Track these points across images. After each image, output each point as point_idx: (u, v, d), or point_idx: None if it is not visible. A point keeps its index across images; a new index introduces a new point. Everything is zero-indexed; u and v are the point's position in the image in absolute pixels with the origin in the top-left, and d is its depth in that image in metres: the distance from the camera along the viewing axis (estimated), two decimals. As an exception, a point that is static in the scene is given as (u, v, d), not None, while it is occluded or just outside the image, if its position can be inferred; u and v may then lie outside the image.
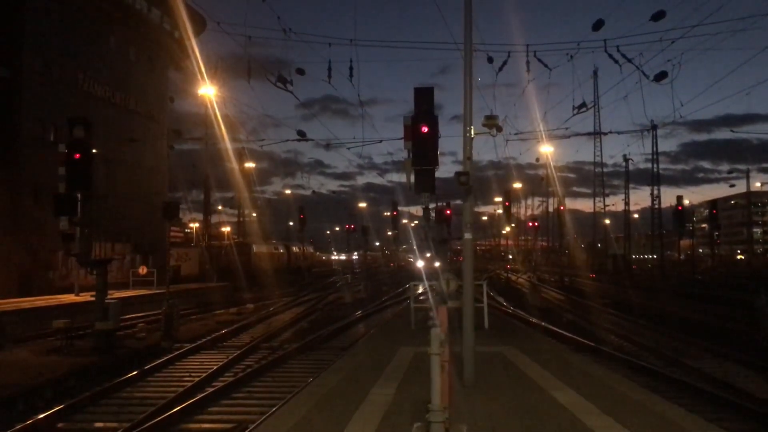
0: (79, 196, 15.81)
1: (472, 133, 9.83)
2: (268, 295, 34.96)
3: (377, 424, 7.34)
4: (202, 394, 11.94)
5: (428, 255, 32.94)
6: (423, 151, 11.08)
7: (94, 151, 16.89)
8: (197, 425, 10.51)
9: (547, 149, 44.15)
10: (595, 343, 17.26)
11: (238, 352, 16.76)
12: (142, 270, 33.03)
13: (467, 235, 9.74)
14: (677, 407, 8.43)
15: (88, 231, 16.59)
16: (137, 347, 17.59)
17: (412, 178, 11.14)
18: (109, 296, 17.86)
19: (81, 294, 25.96)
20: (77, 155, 16.03)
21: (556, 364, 11.37)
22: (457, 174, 9.30)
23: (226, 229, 52.94)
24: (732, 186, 77.68)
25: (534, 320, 23.48)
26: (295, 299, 34.06)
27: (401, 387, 9.26)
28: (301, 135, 24.08)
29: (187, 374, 14.37)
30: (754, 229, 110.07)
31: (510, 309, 28.64)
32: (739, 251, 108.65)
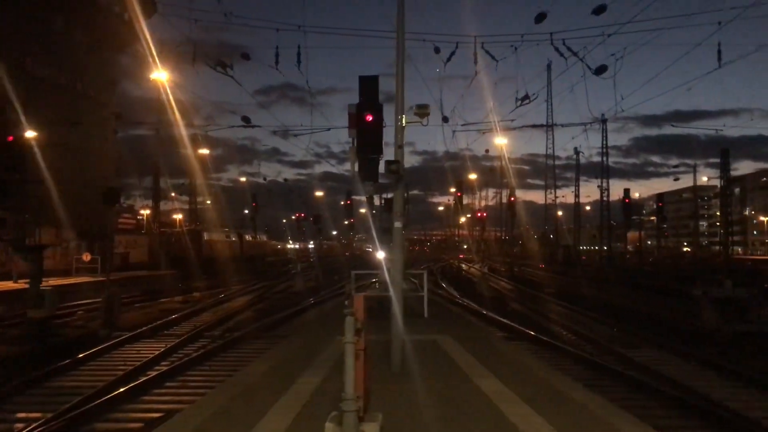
0: (8, 179, 15.36)
1: (404, 122, 9.88)
2: (218, 284, 34.64)
3: (296, 413, 7.35)
4: (135, 383, 11.76)
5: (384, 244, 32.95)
6: (368, 139, 11.06)
7: (31, 134, 16.45)
8: (124, 414, 10.34)
9: (500, 141, 44.68)
10: (534, 332, 17.51)
11: (178, 340, 16.55)
12: (86, 257, 32.34)
13: (397, 224, 9.80)
14: (597, 396, 8.63)
15: (22, 216, 16.16)
16: (74, 336, 17.23)
17: (357, 167, 11.11)
18: (46, 283, 17.44)
19: (20, 281, 25.33)
20: (10, 138, 15.59)
21: (488, 352, 11.53)
22: (388, 162, 9.34)
23: (178, 216, 52.20)
24: (676, 179, 79.67)
25: (477, 309, 23.74)
26: (245, 288, 33.79)
27: (329, 376, 9.28)
28: (246, 121, 23.83)
29: (122, 363, 14.13)
30: (700, 222, 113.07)
31: (456, 298, 28.89)
32: (685, 243, 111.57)
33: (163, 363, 14.07)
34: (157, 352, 14.82)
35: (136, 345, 16.49)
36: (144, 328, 18.53)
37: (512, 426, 6.83)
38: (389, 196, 28.91)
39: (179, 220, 49.68)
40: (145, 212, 49.59)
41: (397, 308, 9.48)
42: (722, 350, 15.61)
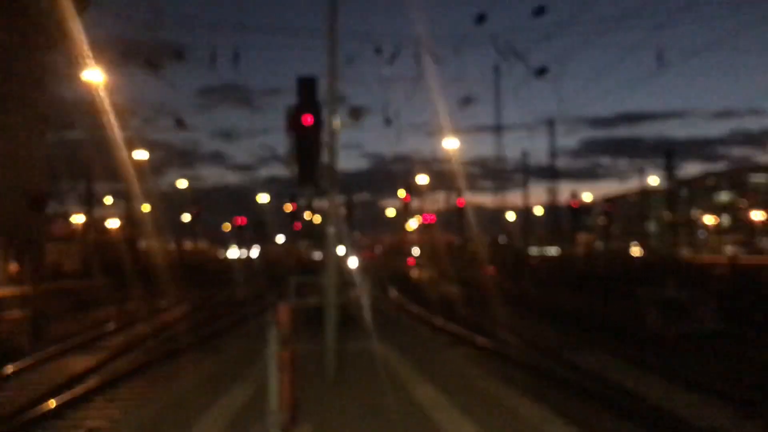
0: None
1: (337, 125, 9.61)
2: (154, 293, 33.62)
3: (223, 427, 7.02)
4: (59, 400, 11.18)
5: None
6: (306, 142, 10.75)
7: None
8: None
9: (449, 143, 44.77)
10: (478, 338, 17.42)
11: (109, 353, 15.92)
12: (12, 267, 30.92)
13: (330, 230, 9.50)
14: (531, 401, 8.48)
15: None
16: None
17: (296, 171, 10.77)
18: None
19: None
20: None
21: (429, 360, 11.36)
22: (319, 167, 9.06)
23: (114, 223, 50.61)
24: (624, 182, 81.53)
25: (423, 315, 23.60)
26: (183, 297, 32.92)
27: (261, 388, 8.91)
28: (180, 124, 23.26)
29: (47, 378, 13.47)
30: (648, 224, 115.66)
31: (403, 304, 28.73)
32: (634, 245, 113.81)
33: (93, 377, 13.48)
34: (86, 366, 14.19)
35: (64, 359, 15.78)
36: (72, 341, 17.79)
37: (442, 433, 6.63)
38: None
39: (115, 227, 48.16)
40: (79, 219, 47.84)
41: (330, 316, 9.16)
42: (664, 352, 15.74)
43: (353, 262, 30.39)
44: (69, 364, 15.09)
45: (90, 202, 40.01)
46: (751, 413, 9.97)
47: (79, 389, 12.12)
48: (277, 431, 6.01)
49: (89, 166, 39.25)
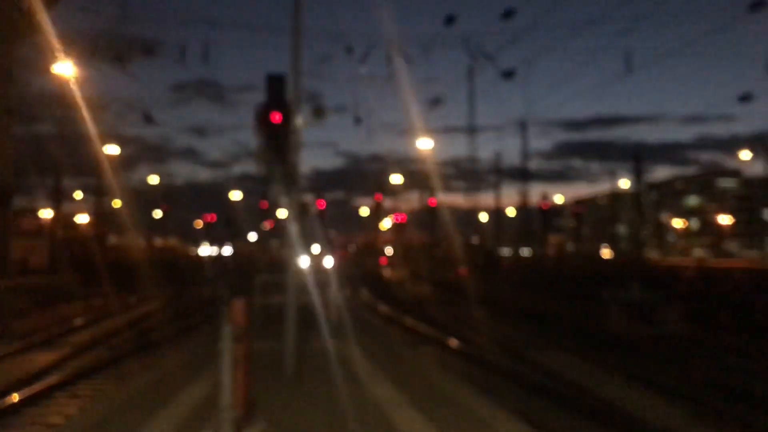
0: None
1: (301, 123, 9.66)
2: (122, 290, 33.30)
3: (179, 422, 7.05)
4: (20, 396, 11.08)
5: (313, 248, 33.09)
6: (275, 140, 10.75)
7: None
8: (4, 430, 9.73)
9: (422, 143, 44.94)
10: (444, 337, 17.56)
11: (72, 350, 15.80)
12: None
13: (293, 228, 9.54)
14: (488, 399, 8.60)
15: None
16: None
17: (264, 168, 10.78)
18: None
19: None
20: None
21: (390, 359, 11.44)
22: (284, 164, 9.09)
23: (83, 218, 49.99)
24: (594, 184, 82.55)
25: (391, 314, 23.70)
26: (152, 294, 32.63)
27: (218, 385, 8.93)
28: (148, 119, 23.10)
29: (7, 375, 13.31)
30: (618, 227, 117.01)
31: (372, 303, 28.81)
32: (604, 247, 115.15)
33: (55, 373, 13.37)
34: (49, 362, 14.06)
35: (28, 355, 15.62)
36: (38, 337, 17.62)
37: (396, 430, 6.72)
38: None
39: (84, 223, 47.54)
40: (47, 214, 47.23)
41: (290, 314, 9.21)
42: (626, 354, 15.97)
43: (328, 262, 30.35)
44: (31, 360, 14.94)
45: (58, 198, 39.45)
46: (703, 413, 10.20)
47: (38, 386, 12.03)
48: (230, 427, 6.02)
49: (58, 161, 38.74)
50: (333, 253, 34.61)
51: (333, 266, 30.44)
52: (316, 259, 29.52)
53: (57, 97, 33.19)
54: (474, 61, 20.62)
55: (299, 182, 9.57)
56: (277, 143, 10.72)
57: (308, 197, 36.42)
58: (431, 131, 37.38)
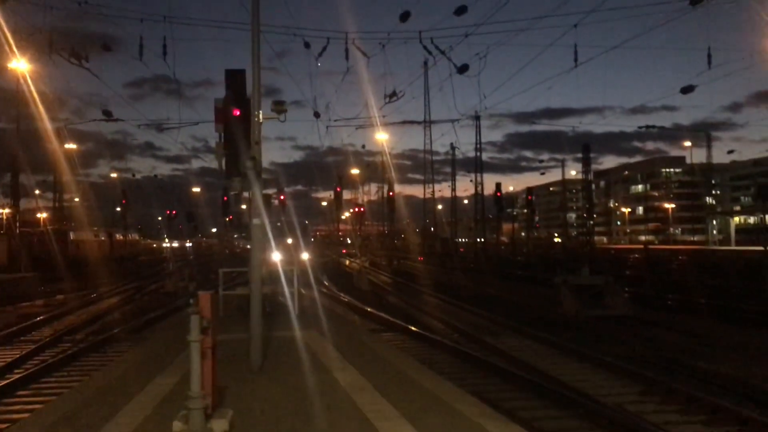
0: None
1: (261, 117, 9.88)
2: (84, 286, 33.01)
3: (147, 414, 7.21)
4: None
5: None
6: (234, 135, 10.90)
7: None
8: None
9: (380, 136, 45.33)
10: (404, 324, 17.96)
11: (35, 346, 15.73)
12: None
13: (256, 221, 9.77)
14: (448, 382, 9.01)
15: None
16: None
17: (224, 163, 10.92)
18: None
19: None
20: None
21: (353, 346, 11.75)
22: (244, 159, 9.29)
23: (43, 215, 49.21)
24: (542, 174, 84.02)
25: (352, 302, 24.03)
26: (113, 289, 32.38)
27: (187, 376, 9.12)
28: (107, 115, 22.90)
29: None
30: (569, 214, 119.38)
31: (333, 292, 29.08)
32: (556, 234, 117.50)
33: (17, 370, 13.34)
34: (10, 359, 14.00)
35: (-14, 353, 15.49)
36: (-3, 335, 17.45)
37: (360, 412, 7.06)
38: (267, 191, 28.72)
39: (43, 218, 46.81)
40: (4, 211, 46.37)
41: (255, 304, 9.46)
42: (577, 335, 16.60)
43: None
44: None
45: (16, 194, 38.71)
46: (650, 390, 10.80)
47: (1, 382, 12.05)
48: (200, 415, 6.26)
49: (15, 157, 37.98)
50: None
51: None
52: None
53: (12, 93, 32.57)
54: (430, 55, 20.97)
55: (260, 176, 9.79)
56: (237, 137, 10.92)
57: (270, 191, 36.35)
58: (388, 125, 37.73)
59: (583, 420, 9.14)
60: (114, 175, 65.50)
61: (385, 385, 8.26)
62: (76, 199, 56.49)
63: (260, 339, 9.50)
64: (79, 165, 50.35)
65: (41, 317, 21.21)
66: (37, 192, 52.33)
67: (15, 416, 10.14)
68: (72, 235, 45.10)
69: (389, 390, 7.98)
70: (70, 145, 46.68)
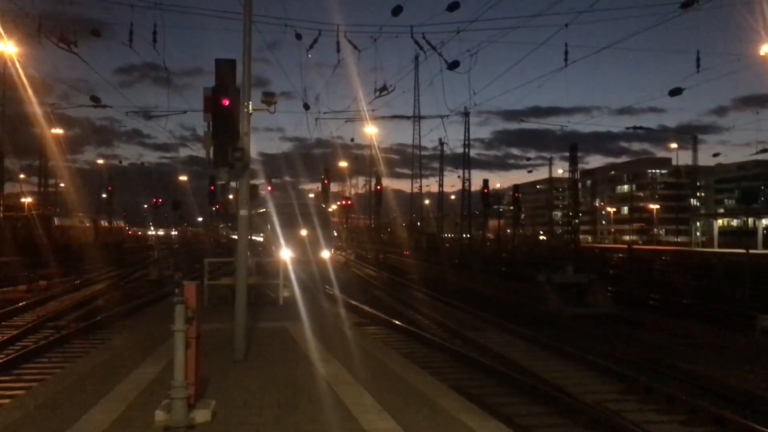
0: None
1: (250, 108, 9.88)
2: (68, 272, 32.83)
3: (128, 403, 7.21)
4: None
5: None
6: (223, 124, 10.87)
7: None
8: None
9: (369, 129, 45.30)
10: (388, 318, 18.00)
11: (17, 332, 15.65)
12: None
13: (242, 212, 9.77)
14: (429, 376, 9.06)
15: None
16: None
17: (212, 152, 10.89)
18: None
19: None
20: None
21: (337, 338, 11.78)
22: (232, 149, 9.28)
23: (27, 199, 48.83)
24: (530, 172, 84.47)
25: (338, 295, 24.00)
26: (97, 276, 32.22)
27: (170, 365, 9.11)
28: (95, 101, 22.72)
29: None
30: (555, 212, 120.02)
31: (320, 284, 29.00)
32: (542, 232, 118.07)
33: (-2, 356, 13.27)
34: (-9, 345, 13.94)
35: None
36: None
37: (343, 405, 7.10)
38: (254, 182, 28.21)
39: (27, 203, 46.44)
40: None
41: (240, 295, 9.46)
42: (560, 333, 16.70)
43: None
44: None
45: (0, 178, 38.37)
46: (630, 389, 10.90)
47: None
48: (183, 405, 6.27)
49: (1, 141, 37.64)
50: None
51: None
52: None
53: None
54: (421, 50, 20.98)
55: (248, 167, 9.78)
56: (225, 127, 10.89)
57: (258, 182, 36.00)
58: (377, 119, 37.75)
59: (564, 417, 9.22)
60: (101, 161, 65.22)
61: (368, 379, 8.31)
62: (62, 185, 56.14)
63: (244, 330, 9.51)
64: (65, 150, 50.03)
65: (24, 303, 21.10)
66: (21, 176, 51.93)
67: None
68: (56, 221, 44.78)
69: (372, 383, 8.03)
70: (57, 130, 46.28)
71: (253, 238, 31.57)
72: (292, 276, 20.47)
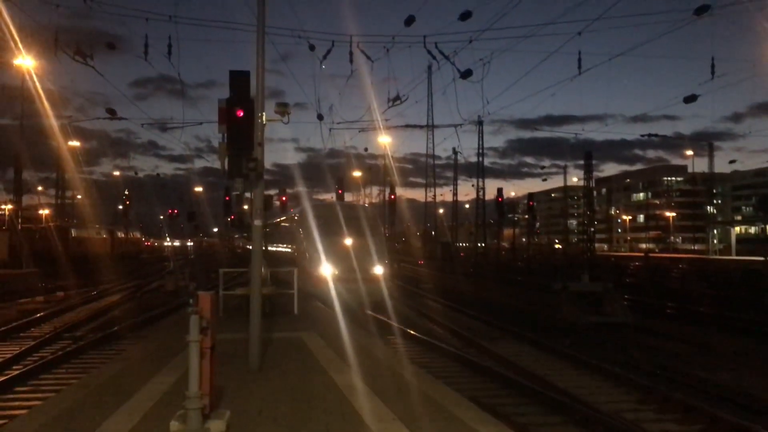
0: None
1: (264, 119, 9.92)
2: (85, 283, 33.08)
3: (144, 413, 7.23)
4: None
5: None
6: (237, 135, 10.94)
7: None
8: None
9: (382, 139, 45.38)
10: (402, 327, 17.94)
11: (34, 342, 15.75)
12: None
13: (257, 222, 9.80)
14: (444, 387, 9.01)
15: None
16: None
17: (227, 163, 10.95)
18: None
19: None
20: None
21: (350, 347, 11.74)
22: (246, 160, 9.33)
23: (45, 211, 49.30)
24: (544, 180, 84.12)
25: (351, 306, 23.95)
26: (114, 287, 32.45)
27: (185, 376, 9.14)
28: (111, 113, 22.95)
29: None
30: (570, 221, 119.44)
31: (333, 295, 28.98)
32: (557, 240, 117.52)
33: (16, 366, 13.36)
34: (9, 355, 14.02)
35: (-14, 348, 15.52)
36: (-3, 330, 17.46)
37: (357, 415, 7.07)
38: (268, 192, 28.18)
39: (45, 215, 46.91)
40: (6, 207, 46.52)
41: (255, 305, 9.48)
42: (576, 342, 16.58)
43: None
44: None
45: (19, 190, 38.80)
46: (647, 398, 10.79)
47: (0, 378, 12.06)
48: (198, 415, 6.27)
49: (18, 154, 38.07)
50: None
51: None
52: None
53: (17, 90, 32.69)
54: (434, 60, 21.02)
55: (262, 177, 9.83)
56: (240, 138, 10.95)
57: (272, 192, 35.94)
58: (390, 128, 37.83)
59: (581, 427, 9.14)
60: (117, 173, 65.68)
61: (383, 388, 8.28)
62: (79, 197, 56.65)
63: (259, 340, 9.52)
64: (82, 162, 50.50)
65: (41, 313, 21.24)
66: (39, 188, 52.50)
67: (12, 413, 10.16)
68: (74, 232, 45.15)
69: (386, 393, 8.00)
70: (74, 143, 46.76)
71: (278, 248, 29.81)
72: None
